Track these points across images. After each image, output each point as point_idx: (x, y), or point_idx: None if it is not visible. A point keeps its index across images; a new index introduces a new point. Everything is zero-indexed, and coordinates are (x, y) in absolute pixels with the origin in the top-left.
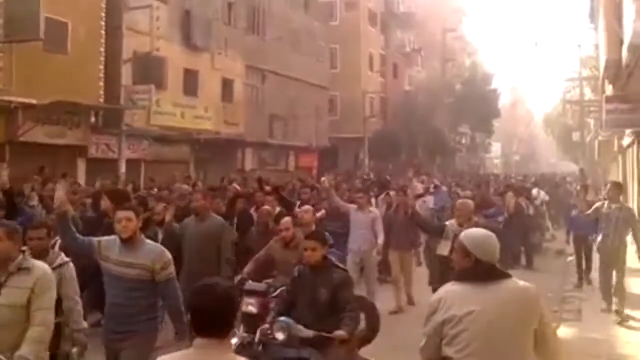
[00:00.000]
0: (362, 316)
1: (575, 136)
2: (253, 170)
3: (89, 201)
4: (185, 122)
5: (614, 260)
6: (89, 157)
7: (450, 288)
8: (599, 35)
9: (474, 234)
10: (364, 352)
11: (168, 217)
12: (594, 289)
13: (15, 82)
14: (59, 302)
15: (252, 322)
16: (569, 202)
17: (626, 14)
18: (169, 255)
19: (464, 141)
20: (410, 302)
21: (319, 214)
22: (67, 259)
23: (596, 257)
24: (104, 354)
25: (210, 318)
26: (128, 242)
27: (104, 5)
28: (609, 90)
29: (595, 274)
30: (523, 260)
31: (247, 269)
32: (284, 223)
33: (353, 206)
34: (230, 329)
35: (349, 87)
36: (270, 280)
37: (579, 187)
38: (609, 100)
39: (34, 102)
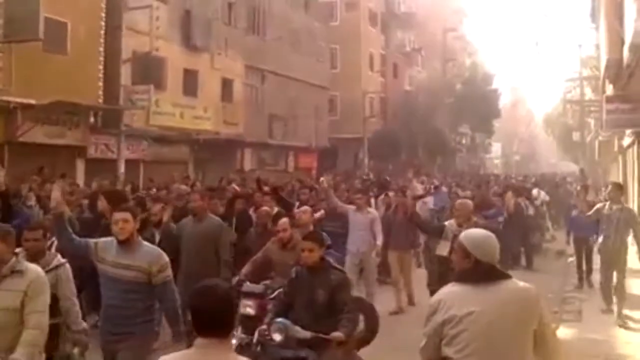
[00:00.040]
0: (361, 317)
1: (576, 136)
2: (252, 170)
3: (86, 202)
4: (184, 122)
5: (615, 261)
6: (87, 157)
7: (450, 289)
8: (600, 35)
9: (474, 234)
10: (363, 352)
11: (165, 218)
12: (595, 290)
13: (15, 82)
14: (56, 303)
15: (250, 324)
16: (569, 202)
17: (627, 14)
18: (165, 258)
19: (464, 141)
20: (411, 301)
21: (318, 214)
22: (63, 260)
23: (597, 258)
24: (102, 355)
25: (211, 318)
26: (125, 244)
27: (103, 5)
28: (610, 90)
29: (595, 275)
30: (523, 261)
31: (245, 270)
32: (281, 224)
33: (351, 207)
34: (231, 328)
35: (348, 87)
36: (267, 282)
37: (579, 187)
38: (609, 100)
39: (33, 102)
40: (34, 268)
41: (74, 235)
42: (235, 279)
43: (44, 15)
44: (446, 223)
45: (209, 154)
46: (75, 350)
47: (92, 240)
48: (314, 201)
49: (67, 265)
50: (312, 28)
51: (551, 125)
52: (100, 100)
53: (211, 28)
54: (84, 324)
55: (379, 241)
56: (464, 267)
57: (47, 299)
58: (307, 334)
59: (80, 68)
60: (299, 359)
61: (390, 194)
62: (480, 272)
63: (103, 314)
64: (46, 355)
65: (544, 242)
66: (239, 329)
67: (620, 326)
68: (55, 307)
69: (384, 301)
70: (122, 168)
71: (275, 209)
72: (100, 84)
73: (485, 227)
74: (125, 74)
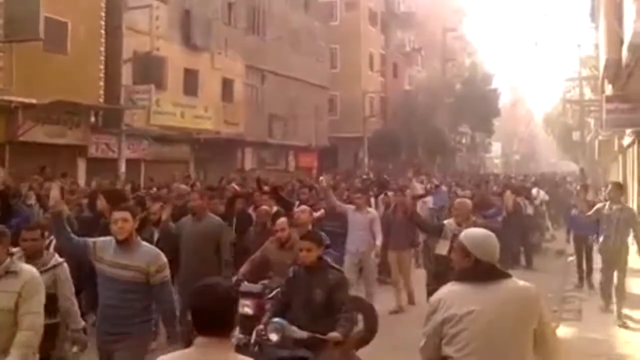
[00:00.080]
0: (360, 317)
1: (575, 135)
2: (252, 169)
3: (85, 201)
4: (184, 121)
5: (616, 261)
6: (88, 156)
7: (450, 288)
8: (599, 35)
9: (474, 233)
10: (362, 352)
11: (164, 216)
12: (595, 290)
13: (15, 82)
14: (54, 303)
15: (248, 324)
16: (569, 202)
17: (626, 14)
18: (164, 258)
19: (463, 141)
20: (411, 300)
21: (317, 214)
22: (60, 260)
23: (597, 257)
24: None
25: (211, 317)
26: (123, 244)
27: (103, 5)
28: (609, 89)
29: (596, 275)
30: (523, 260)
31: (242, 269)
32: (279, 223)
33: (350, 207)
34: (231, 327)
35: (348, 86)
36: (266, 281)
37: (579, 187)
38: (608, 99)
39: (34, 101)
40: (29, 269)
41: (72, 235)
42: (233, 279)
43: (44, 15)
44: (445, 222)
45: (209, 153)
46: (75, 349)
47: (90, 240)
48: (313, 201)
49: (65, 265)
50: (312, 28)
51: (551, 124)
52: (101, 100)
53: (211, 28)
54: (83, 323)
55: (378, 241)
56: (464, 266)
57: (41, 299)
58: (303, 334)
59: (81, 68)
60: (296, 359)
61: (390, 193)
62: (480, 272)
63: (100, 313)
64: (44, 355)
65: (544, 241)
66: (237, 329)
67: (620, 326)
68: (53, 307)
69: (384, 301)
70: (122, 167)
71: (275, 208)
72: (101, 83)
73: (484, 227)
74: (126, 73)
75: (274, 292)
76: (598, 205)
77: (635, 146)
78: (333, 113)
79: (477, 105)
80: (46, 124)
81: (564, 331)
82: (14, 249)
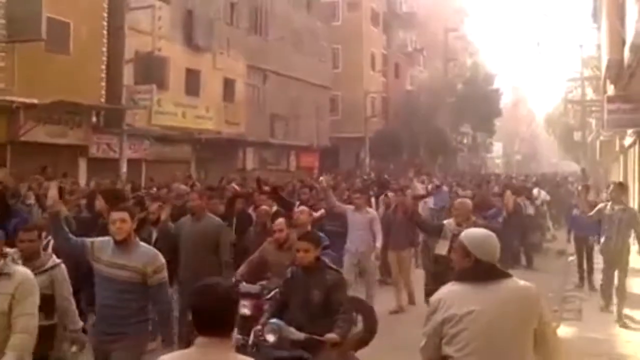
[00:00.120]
0: (359, 318)
1: (577, 136)
2: (254, 169)
3: (84, 202)
4: (186, 121)
5: (617, 261)
6: (90, 156)
7: (450, 288)
8: (601, 35)
9: (474, 233)
10: (363, 352)
11: (164, 216)
12: (596, 291)
13: (17, 82)
14: (52, 304)
15: (246, 324)
16: (570, 202)
17: (629, 14)
18: (162, 259)
19: (465, 141)
20: (411, 300)
21: (318, 214)
22: (58, 261)
23: (597, 258)
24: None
25: (211, 317)
26: (121, 244)
27: (105, 5)
28: (611, 90)
29: (596, 275)
30: (523, 260)
31: (241, 270)
32: (277, 224)
33: (349, 207)
34: (232, 327)
35: (350, 86)
36: (264, 282)
37: (580, 187)
38: (610, 100)
39: (36, 101)
40: (22, 270)
41: (70, 234)
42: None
43: (46, 15)
44: (445, 222)
45: (210, 153)
46: (74, 349)
47: (88, 240)
48: (314, 201)
49: (63, 266)
50: (314, 28)
51: (552, 125)
52: (103, 100)
53: (213, 28)
54: (81, 323)
55: (378, 243)
56: (464, 266)
57: (35, 301)
58: (300, 335)
59: (83, 68)
60: (294, 358)
61: (390, 194)
62: (481, 271)
63: (97, 313)
64: (41, 356)
65: (545, 241)
66: (235, 330)
67: (621, 325)
68: (50, 308)
69: (384, 301)
70: (124, 167)
71: (275, 208)
72: (103, 83)
73: (484, 227)
74: (128, 73)
75: (272, 293)
76: (600, 206)
77: (637, 146)
78: (335, 113)
79: (479, 105)
80: (47, 124)
81: (564, 331)
82: (11, 250)
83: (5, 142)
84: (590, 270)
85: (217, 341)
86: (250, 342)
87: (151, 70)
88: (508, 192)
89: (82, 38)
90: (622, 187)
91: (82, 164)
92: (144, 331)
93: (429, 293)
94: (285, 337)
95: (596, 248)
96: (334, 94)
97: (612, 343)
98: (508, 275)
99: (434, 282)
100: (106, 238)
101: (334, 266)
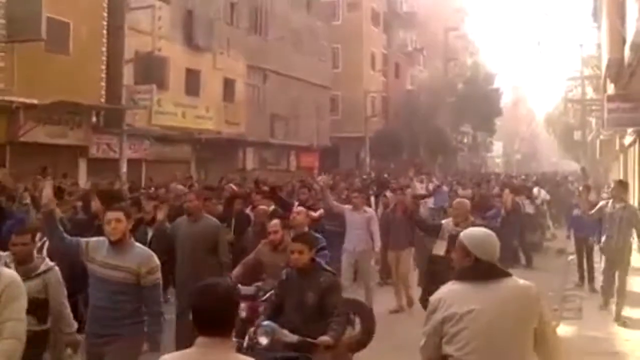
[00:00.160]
0: (357, 319)
1: (577, 135)
2: (254, 169)
3: (80, 204)
4: (186, 121)
5: (618, 260)
6: (89, 156)
7: (450, 287)
8: (601, 34)
9: (474, 233)
10: (362, 352)
11: (160, 216)
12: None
13: (17, 82)
14: (45, 308)
15: (241, 326)
16: (570, 201)
17: (629, 13)
18: (156, 261)
19: (465, 140)
20: (409, 303)
21: (316, 213)
22: (51, 264)
23: (597, 257)
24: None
25: (212, 317)
26: (116, 244)
27: (105, 5)
28: (611, 89)
29: (597, 277)
30: (522, 259)
31: (236, 272)
32: (272, 225)
33: (347, 206)
34: (232, 327)
35: (350, 86)
36: (259, 284)
37: (580, 187)
38: (610, 99)
39: (35, 102)
40: (9, 273)
41: (65, 234)
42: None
43: (46, 16)
44: (443, 222)
45: (211, 153)
46: (69, 351)
47: (83, 240)
48: (313, 201)
49: (57, 269)
50: (314, 28)
51: (552, 124)
52: (103, 100)
53: (213, 28)
54: (76, 325)
55: (377, 247)
56: (464, 265)
57: (23, 305)
58: (293, 338)
59: (83, 68)
60: (290, 359)
61: (388, 193)
62: (481, 271)
63: (91, 315)
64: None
65: (545, 240)
66: None
67: (620, 324)
68: (43, 313)
69: (384, 301)
70: (124, 168)
71: (272, 207)
72: (103, 83)
73: (483, 227)
74: (128, 73)
75: (267, 295)
76: (601, 203)
77: (637, 145)
78: (335, 113)
79: (479, 104)
80: (47, 124)
81: (564, 330)
82: (4, 254)
83: (5, 142)
84: (591, 270)
85: (217, 341)
86: (244, 344)
87: (151, 70)
88: (506, 191)
89: (82, 38)
90: (623, 184)
91: (82, 164)
92: (138, 333)
93: (426, 293)
94: (278, 339)
95: (596, 248)
96: (334, 94)
97: (611, 341)
98: (508, 275)
99: (426, 283)
100: (101, 238)
101: (329, 268)
